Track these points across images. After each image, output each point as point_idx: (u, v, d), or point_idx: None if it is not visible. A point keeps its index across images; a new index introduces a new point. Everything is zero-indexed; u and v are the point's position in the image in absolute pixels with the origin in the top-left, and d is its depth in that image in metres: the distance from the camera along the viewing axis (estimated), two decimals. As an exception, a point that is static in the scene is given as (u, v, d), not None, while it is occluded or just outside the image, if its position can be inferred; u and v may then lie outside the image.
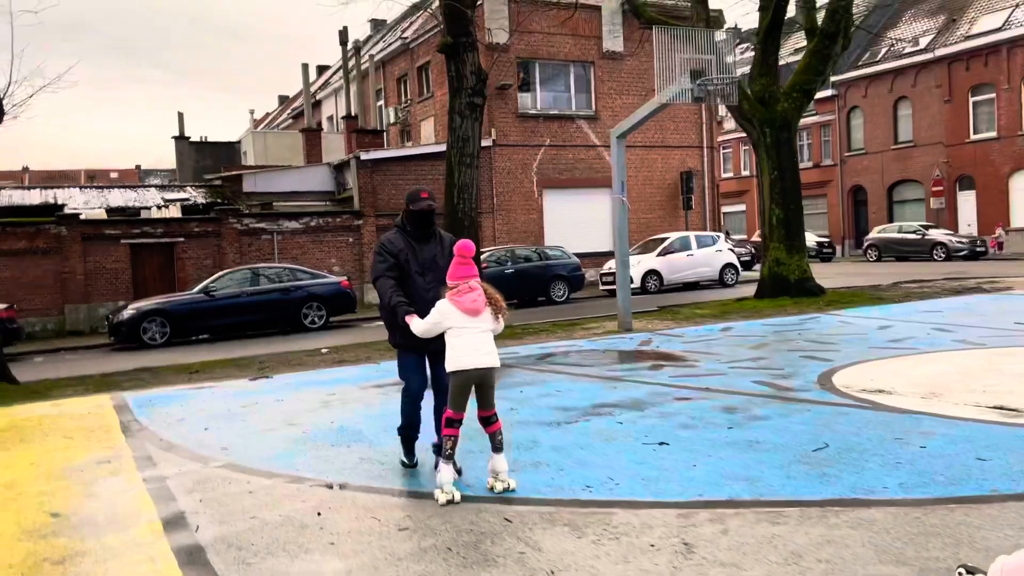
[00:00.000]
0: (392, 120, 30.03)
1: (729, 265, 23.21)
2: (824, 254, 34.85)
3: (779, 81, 16.73)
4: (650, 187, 26.47)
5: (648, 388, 7.82)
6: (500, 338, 11.61)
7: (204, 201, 24.26)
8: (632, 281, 22.19)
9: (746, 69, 17.73)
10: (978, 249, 30.43)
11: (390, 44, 31.47)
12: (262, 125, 50.51)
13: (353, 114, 31.81)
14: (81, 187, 28.80)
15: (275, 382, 9.97)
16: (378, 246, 5.34)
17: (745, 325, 12.59)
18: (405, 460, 5.53)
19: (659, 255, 22.27)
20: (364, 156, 23.25)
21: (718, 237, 23.86)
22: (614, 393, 7.66)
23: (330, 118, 38.91)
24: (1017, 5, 33.16)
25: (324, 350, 13.38)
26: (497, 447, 4.80)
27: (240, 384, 9.99)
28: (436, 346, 4.90)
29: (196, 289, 17.95)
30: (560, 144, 25.24)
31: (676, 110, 25.57)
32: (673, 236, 23.11)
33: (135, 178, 72.46)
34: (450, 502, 4.59)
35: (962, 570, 2.70)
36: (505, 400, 7.40)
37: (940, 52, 34.71)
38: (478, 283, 4.74)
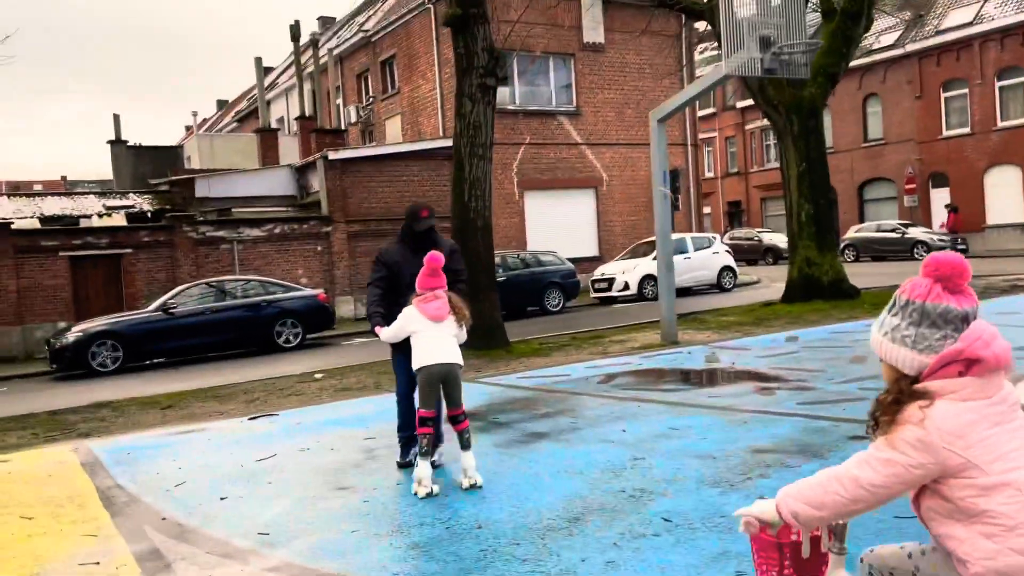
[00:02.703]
0: (353, 120, 27.98)
1: (727, 268, 21.87)
2: (797, 255, 34.06)
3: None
4: (635, 187, 25.02)
5: (789, 422, 6.16)
6: (524, 356, 9.26)
7: (152, 208, 21.85)
8: (628, 287, 20.78)
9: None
10: (959, 247, 29.87)
11: (347, 39, 29.44)
12: (201, 131, 47.65)
13: (308, 114, 29.62)
14: (9, 195, 25.92)
15: (281, 421, 8.02)
16: (376, 255, 5.88)
17: (810, 333, 11.08)
18: (399, 460, 5.68)
19: (655, 259, 20.70)
20: (333, 156, 21.20)
21: (715, 238, 22.53)
22: (752, 430, 5.98)
23: (280, 120, 36.54)
24: (985, 1, 32.88)
25: (318, 375, 11.42)
26: (465, 445, 5.08)
27: (237, 425, 8.00)
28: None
29: (152, 307, 15.69)
30: (541, 142, 23.60)
31: (658, 104, 24.19)
32: (668, 237, 21.61)
33: (61, 190, 68.24)
34: (429, 495, 4.89)
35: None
36: (612, 445, 5.70)
37: (910, 48, 34.24)
38: (444, 292, 5.10)
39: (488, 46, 11.55)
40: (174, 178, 23.14)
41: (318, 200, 21.71)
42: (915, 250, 30.14)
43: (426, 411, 5.03)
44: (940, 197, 34.26)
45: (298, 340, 16.30)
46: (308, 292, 17.21)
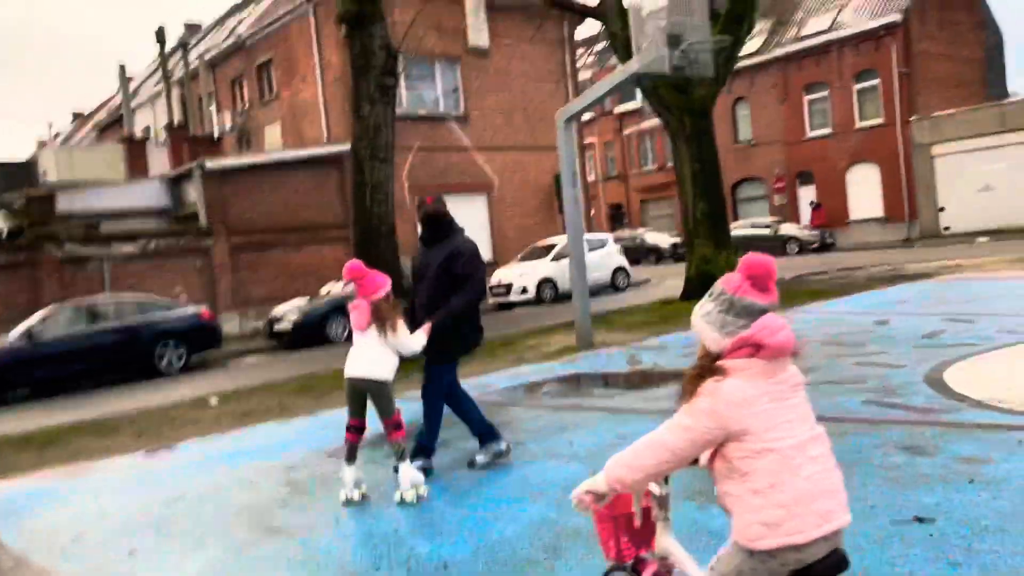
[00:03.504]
0: (229, 127, 26.58)
1: (620, 269, 22.05)
2: (679, 255, 34.96)
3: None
4: (525, 191, 24.90)
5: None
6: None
7: (6, 226, 19.91)
8: (527, 291, 20.59)
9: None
10: (828, 241, 31.47)
11: (218, 43, 27.99)
12: (58, 144, 44.32)
13: (179, 122, 27.95)
14: None
15: (183, 454, 7.23)
16: None
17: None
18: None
19: (552, 261, 20.64)
20: (210, 165, 19.97)
21: (608, 239, 22.67)
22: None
23: (146, 129, 34.38)
24: (841, 7, 34.87)
25: (213, 400, 10.53)
26: (397, 456, 5.00)
27: (132, 462, 7.15)
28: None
29: (14, 334, 14.17)
30: (431, 147, 23.09)
31: (546, 111, 24.20)
32: (562, 240, 21.55)
33: None
34: (348, 501, 5.04)
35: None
36: (564, 460, 5.37)
37: (775, 53, 35.85)
38: (366, 300, 4.97)
39: (385, 44, 11.03)
40: (32, 194, 21.19)
41: (196, 212, 20.39)
42: (787, 246, 31.49)
43: (350, 419, 5.12)
44: (807, 195, 36.02)
45: (182, 362, 15.15)
46: (190, 310, 16.03)
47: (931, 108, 31.96)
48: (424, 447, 5.46)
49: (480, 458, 5.49)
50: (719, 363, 2.11)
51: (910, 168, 32.04)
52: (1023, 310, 9.72)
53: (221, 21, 34.27)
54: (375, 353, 4.98)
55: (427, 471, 5.30)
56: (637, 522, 2.39)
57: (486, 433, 5.54)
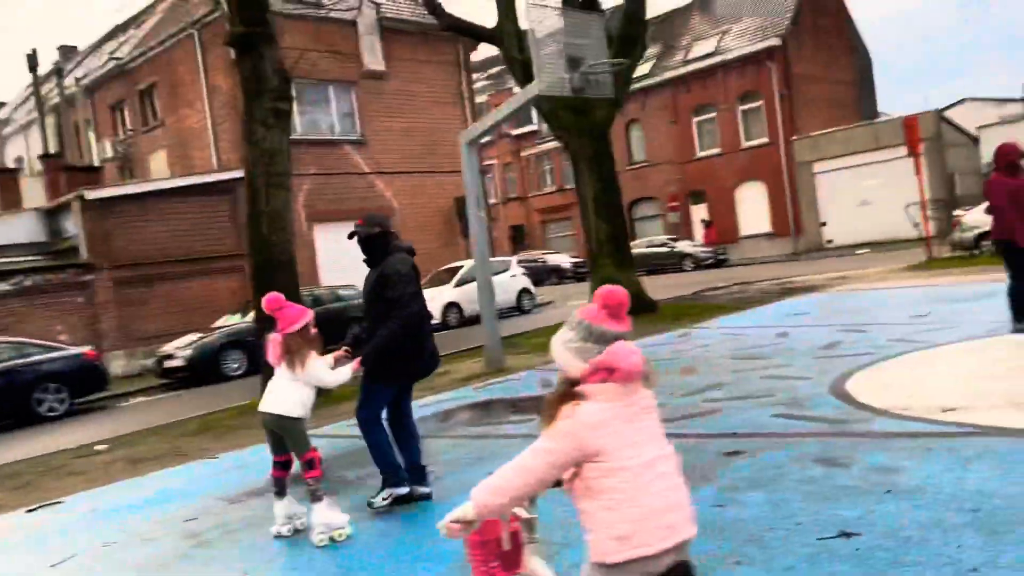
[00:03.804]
0: (110, 155, 25.30)
1: (525, 290, 22.11)
2: (580, 274, 35.43)
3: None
4: (425, 214, 24.67)
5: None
6: (344, 400, 8.46)
7: None
8: (432, 317, 20.34)
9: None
10: (721, 257, 32.53)
11: (97, 68, 26.68)
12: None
13: (54, 151, 26.42)
14: None
15: (69, 510, 6.66)
16: None
17: (629, 349, 11.21)
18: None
19: (456, 286, 20.48)
20: (91, 195, 18.89)
21: (511, 262, 22.69)
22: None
23: (18, 159, 32.42)
24: (724, 32, 36.37)
25: (99, 447, 9.83)
26: (311, 498, 4.78)
27: (12, 521, 6.53)
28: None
29: None
30: (327, 172, 22.60)
31: (444, 134, 24.16)
32: (467, 264, 21.43)
33: None
34: (278, 536, 4.93)
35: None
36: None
37: (664, 76, 37.00)
38: (278, 336, 4.84)
39: (277, 66, 10.67)
40: None
41: (75, 246, 19.23)
42: (684, 262, 32.39)
43: (273, 456, 4.98)
44: (699, 212, 37.24)
45: (64, 407, 14.18)
46: (73, 351, 15.05)
47: (811, 128, 33.66)
48: (413, 469, 5.24)
49: (377, 501, 5.22)
50: (577, 388, 2.24)
51: (794, 185, 33.58)
52: (907, 319, 10.18)
53: (99, 44, 32.73)
54: (286, 389, 4.82)
55: (423, 497, 5.20)
56: (506, 544, 2.46)
57: (391, 474, 5.21)
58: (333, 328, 18.68)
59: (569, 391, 2.25)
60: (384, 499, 5.17)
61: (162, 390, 16.37)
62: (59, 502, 6.94)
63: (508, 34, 14.80)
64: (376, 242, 5.19)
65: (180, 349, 16.31)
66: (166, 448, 9.08)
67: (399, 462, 5.22)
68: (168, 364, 16.31)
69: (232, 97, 19.99)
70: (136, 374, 18.77)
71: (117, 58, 25.27)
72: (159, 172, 24.02)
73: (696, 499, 4.43)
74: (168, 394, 15.63)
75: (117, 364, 18.67)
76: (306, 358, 4.81)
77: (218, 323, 17.69)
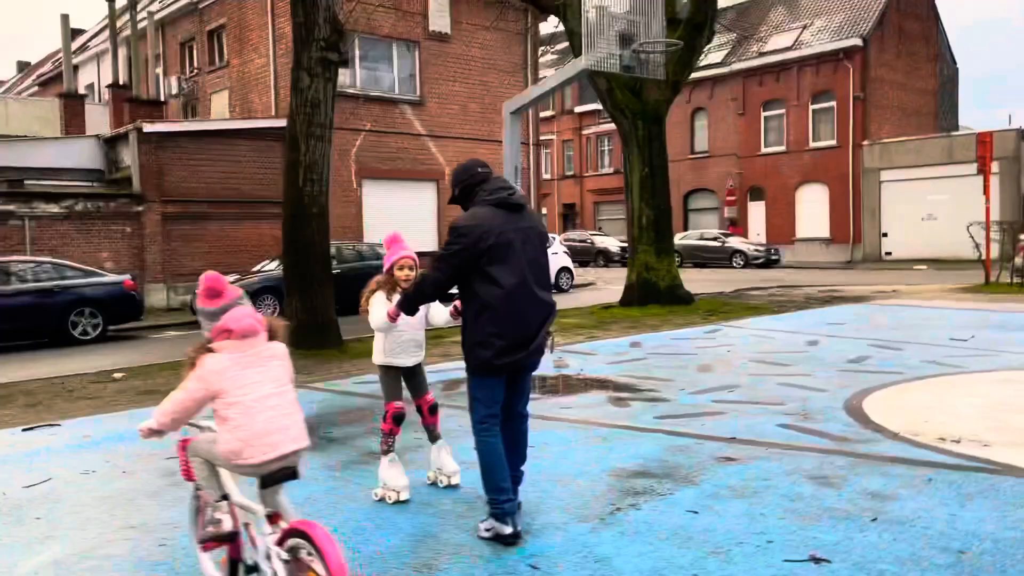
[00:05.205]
0: (175, 92, 25.64)
1: (565, 269, 21.85)
2: (626, 259, 34.96)
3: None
4: (476, 183, 24.48)
5: (650, 438, 5.76)
6: (360, 357, 8.38)
7: (-76, 174, 18.84)
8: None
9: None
10: (772, 257, 31.74)
11: (170, 3, 26.98)
12: (-4, 92, 42.51)
13: (123, 82, 26.87)
14: None
15: (64, 433, 6.74)
16: None
17: (652, 339, 10.94)
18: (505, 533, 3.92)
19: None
20: (148, 128, 19.17)
21: (554, 239, 22.44)
22: (613, 448, 5.53)
23: (90, 86, 33.11)
24: (805, 27, 35.20)
25: (117, 374, 9.98)
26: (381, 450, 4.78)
27: (6, 438, 6.63)
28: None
29: (-85, 289, 13.36)
30: (382, 130, 22.56)
31: (503, 103, 23.84)
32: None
33: None
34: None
35: None
36: (464, 466, 5.01)
37: (736, 67, 36.05)
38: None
39: (331, 16, 10.56)
40: (-46, 142, 20.13)
41: (129, 176, 19.58)
42: (733, 259, 31.72)
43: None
44: (757, 209, 36.36)
45: (98, 332, 14.46)
46: (112, 278, 15.31)
47: (883, 134, 32.49)
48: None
49: (480, 531, 4.07)
50: (210, 345, 3.07)
51: (858, 191, 32.53)
52: (947, 341, 9.71)
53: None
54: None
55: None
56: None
57: (491, 501, 4.02)
58: (349, 284, 18.51)
59: (203, 346, 3.08)
60: (486, 531, 4.01)
61: (195, 326, 16.63)
62: (56, 424, 7.03)
63: (571, 6, 14.44)
64: (458, 192, 4.22)
65: (216, 289, 16.49)
66: (178, 383, 9.15)
67: (506, 484, 3.99)
68: (203, 302, 16.52)
69: (295, 45, 20.02)
70: (176, 308, 19.12)
71: (191, -4, 25.46)
72: (219, 113, 24.28)
73: (672, 503, 4.27)
74: (200, 331, 15.86)
75: (157, 297, 19.04)
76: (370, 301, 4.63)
77: (257, 267, 17.88)
